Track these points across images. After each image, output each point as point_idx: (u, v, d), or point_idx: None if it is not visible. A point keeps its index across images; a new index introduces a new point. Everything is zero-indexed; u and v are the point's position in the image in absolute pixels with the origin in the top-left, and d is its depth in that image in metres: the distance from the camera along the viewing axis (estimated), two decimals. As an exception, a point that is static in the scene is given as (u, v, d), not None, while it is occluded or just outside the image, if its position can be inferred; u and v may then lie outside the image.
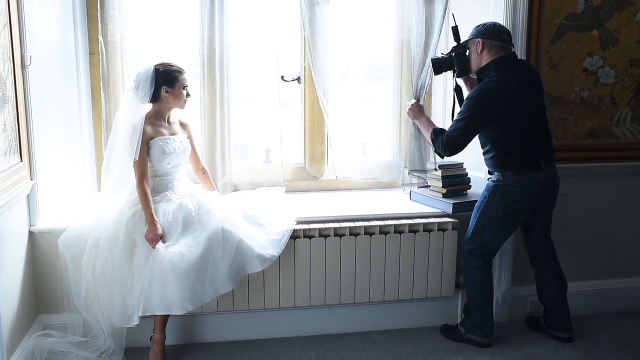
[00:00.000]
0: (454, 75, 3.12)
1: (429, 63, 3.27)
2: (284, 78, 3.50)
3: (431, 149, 3.36)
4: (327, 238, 3.12)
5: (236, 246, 2.85)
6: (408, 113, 3.29)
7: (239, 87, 3.48)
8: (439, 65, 3.11)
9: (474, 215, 3.11)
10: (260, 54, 3.50)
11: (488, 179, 3.09)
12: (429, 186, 3.47)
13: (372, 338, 3.27)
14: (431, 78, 3.32)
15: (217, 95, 3.34)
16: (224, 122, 3.37)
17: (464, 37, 3.05)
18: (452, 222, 3.23)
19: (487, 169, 3.11)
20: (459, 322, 3.32)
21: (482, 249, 3.09)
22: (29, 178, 2.86)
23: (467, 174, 3.43)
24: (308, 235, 3.11)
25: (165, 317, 2.90)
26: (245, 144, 3.77)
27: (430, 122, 3.19)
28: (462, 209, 3.25)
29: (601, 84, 3.39)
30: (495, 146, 2.99)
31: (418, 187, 3.55)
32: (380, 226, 3.18)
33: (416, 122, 3.30)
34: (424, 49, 3.35)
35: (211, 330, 3.20)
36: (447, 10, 3.25)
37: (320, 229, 3.12)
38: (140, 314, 2.72)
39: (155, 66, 2.91)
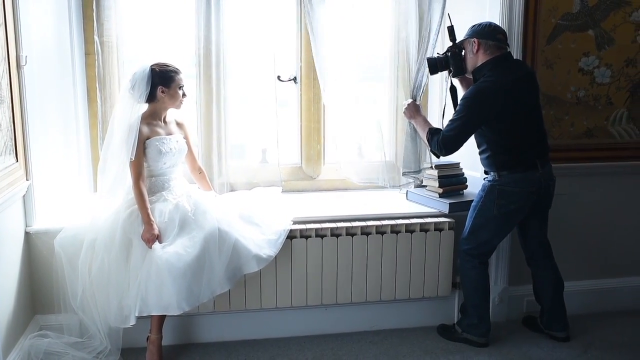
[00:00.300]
0: (449, 75, 3.13)
1: (425, 63, 3.27)
2: (280, 78, 3.50)
3: (427, 149, 3.36)
4: (323, 238, 3.12)
5: (233, 246, 2.85)
6: (404, 112, 3.29)
7: (235, 87, 3.47)
8: (435, 65, 3.11)
9: (470, 215, 3.11)
10: (256, 54, 3.49)
11: (484, 179, 3.09)
12: (426, 186, 3.47)
13: (369, 338, 3.27)
14: (428, 78, 3.32)
15: (213, 95, 3.33)
16: (220, 122, 3.37)
17: (459, 37, 3.05)
18: (449, 222, 3.23)
19: (483, 169, 3.12)
20: (455, 321, 3.32)
21: (479, 249, 3.10)
22: (25, 178, 2.85)
23: (463, 173, 3.43)
24: (305, 235, 3.11)
25: (162, 318, 2.89)
26: (242, 144, 3.77)
27: (426, 122, 3.19)
28: (458, 209, 3.26)
29: (597, 83, 3.39)
30: (491, 146, 2.99)
31: (415, 187, 3.56)
32: (377, 226, 3.18)
33: (412, 122, 3.30)
34: (419, 47, 3.34)
35: (208, 330, 3.20)
36: (444, 10, 3.25)
37: (316, 229, 3.12)
38: (136, 315, 2.73)
39: (151, 66, 2.90)
